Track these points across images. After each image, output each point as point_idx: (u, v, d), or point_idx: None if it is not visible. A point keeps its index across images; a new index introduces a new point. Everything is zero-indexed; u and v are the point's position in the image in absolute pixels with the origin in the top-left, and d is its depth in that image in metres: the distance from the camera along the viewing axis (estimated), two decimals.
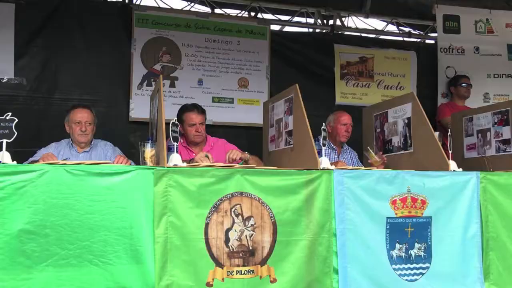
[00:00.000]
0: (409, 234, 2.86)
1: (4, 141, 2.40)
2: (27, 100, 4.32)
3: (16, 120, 2.43)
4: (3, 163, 2.35)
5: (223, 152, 3.59)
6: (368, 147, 3.68)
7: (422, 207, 2.89)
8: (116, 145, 3.57)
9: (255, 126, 4.47)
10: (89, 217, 2.37)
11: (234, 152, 3.32)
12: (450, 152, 3.14)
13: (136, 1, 4.76)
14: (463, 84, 5.12)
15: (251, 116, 4.78)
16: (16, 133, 2.42)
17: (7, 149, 2.41)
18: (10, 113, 2.45)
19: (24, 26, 4.31)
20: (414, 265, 2.84)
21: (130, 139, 4.52)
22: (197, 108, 3.62)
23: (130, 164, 3.02)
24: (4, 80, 4.27)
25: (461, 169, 3.08)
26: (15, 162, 2.39)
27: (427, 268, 2.87)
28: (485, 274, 2.94)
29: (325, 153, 2.97)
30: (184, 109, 3.64)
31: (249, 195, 2.64)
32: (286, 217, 2.68)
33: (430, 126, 3.26)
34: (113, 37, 4.59)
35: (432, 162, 3.14)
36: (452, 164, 3.06)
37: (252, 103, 4.90)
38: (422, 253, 2.87)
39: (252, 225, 2.63)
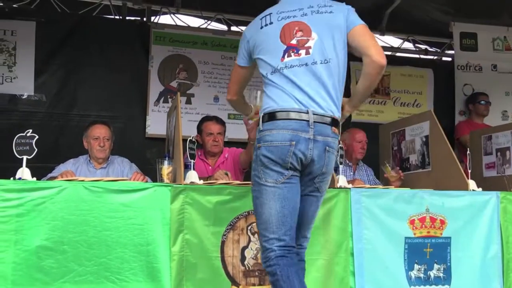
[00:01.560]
0: (428, 254, 2.82)
1: (25, 157, 2.43)
2: (46, 116, 4.38)
3: (37, 137, 2.46)
4: (23, 179, 2.38)
5: (234, 160, 3.66)
6: (386, 161, 3.65)
7: (441, 227, 2.84)
8: (133, 161, 3.59)
9: None
10: (107, 234, 2.38)
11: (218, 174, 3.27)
12: (469, 171, 3.10)
13: (154, 20, 4.83)
14: (482, 102, 5.07)
15: None
16: (36, 150, 2.44)
17: (26, 165, 2.43)
18: (30, 130, 2.48)
19: (44, 43, 4.38)
20: (433, 286, 2.79)
21: (146, 155, 4.54)
22: (216, 119, 3.72)
23: (147, 181, 3.04)
24: (24, 97, 4.34)
25: (480, 189, 3.04)
26: (34, 179, 2.41)
27: None
28: None
29: (341, 171, 2.95)
30: (204, 119, 3.75)
31: None
32: None
33: (449, 144, 3.23)
34: (131, 54, 4.65)
35: (451, 181, 3.10)
36: (472, 184, 3.02)
37: None
38: (441, 274, 2.82)
39: None
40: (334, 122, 2.09)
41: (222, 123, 3.72)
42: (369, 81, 2.15)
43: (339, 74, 2.14)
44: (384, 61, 2.10)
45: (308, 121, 2.02)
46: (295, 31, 2.11)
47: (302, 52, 2.09)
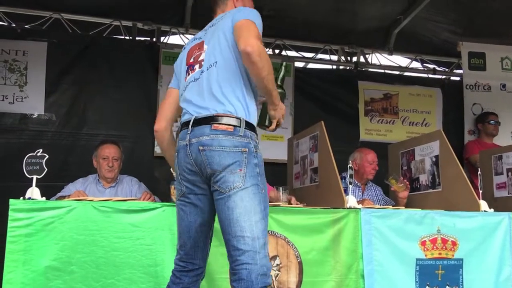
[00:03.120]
0: (440, 276, 2.77)
1: (35, 177, 2.43)
2: (56, 136, 4.41)
3: (47, 156, 2.47)
4: (32, 199, 2.38)
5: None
6: (390, 176, 3.62)
7: (453, 249, 2.80)
8: (141, 181, 3.60)
9: (279, 162, 4.45)
10: (115, 254, 2.37)
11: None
12: (480, 191, 3.06)
13: (163, 40, 4.88)
14: (491, 122, 5.04)
15: (275, 152, 4.76)
16: (46, 170, 2.45)
17: (36, 184, 2.44)
18: (41, 150, 2.49)
19: (55, 63, 4.44)
20: None
21: (155, 174, 4.55)
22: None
23: (155, 200, 3.03)
24: (35, 116, 4.39)
25: (492, 210, 3.00)
26: (44, 198, 2.42)
27: None
28: None
29: (350, 191, 2.93)
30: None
31: (275, 233, 2.61)
32: (312, 257, 2.64)
33: (459, 164, 3.20)
34: (140, 74, 4.69)
35: (461, 201, 3.06)
36: (483, 204, 2.98)
37: (276, 139, 4.89)
38: None
39: (277, 264, 2.59)
40: (215, 118, 1.99)
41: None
42: (252, 73, 1.99)
43: (230, 72, 2.04)
44: (248, 47, 1.91)
45: (187, 128, 2.03)
46: (195, 51, 2.18)
47: (196, 66, 2.13)
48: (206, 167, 1.97)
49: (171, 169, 2.38)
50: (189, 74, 2.15)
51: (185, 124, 2.05)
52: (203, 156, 1.97)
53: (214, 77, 2.04)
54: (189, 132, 2.01)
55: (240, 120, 2.00)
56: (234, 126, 1.98)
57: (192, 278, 2.11)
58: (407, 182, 3.55)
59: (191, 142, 2.00)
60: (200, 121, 2.00)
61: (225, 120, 1.99)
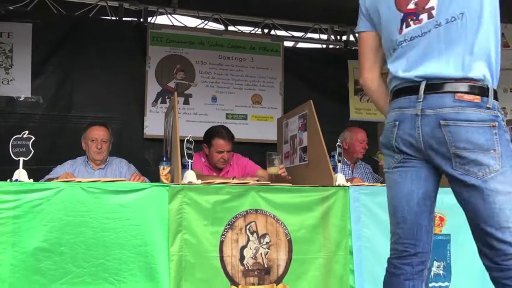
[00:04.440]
0: None
1: (21, 159, 2.42)
2: (43, 118, 4.36)
3: (33, 138, 2.45)
4: (20, 181, 2.37)
5: (240, 168, 3.64)
6: (377, 151, 3.65)
7: (440, 224, 2.83)
8: (131, 162, 3.59)
9: (269, 142, 4.46)
10: (104, 234, 2.37)
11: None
12: None
13: (151, 20, 4.82)
14: None
15: (265, 132, 4.78)
16: (32, 151, 2.44)
17: (23, 167, 2.42)
18: (27, 132, 2.47)
19: (41, 45, 4.37)
20: (433, 284, 2.78)
21: (144, 156, 4.54)
22: (228, 136, 3.57)
23: (145, 181, 3.03)
24: (21, 99, 4.33)
25: None
26: (31, 180, 2.40)
27: (447, 287, 2.80)
28: None
29: (340, 169, 2.94)
30: (216, 134, 3.56)
31: (264, 212, 2.62)
32: (301, 235, 2.66)
33: None
34: (127, 55, 4.63)
35: None
36: None
37: (266, 120, 4.89)
38: (441, 272, 2.81)
39: (267, 242, 2.61)
40: (457, 86, 1.66)
41: (232, 139, 3.60)
42: None
43: (477, 28, 1.68)
44: None
45: (416, 94, 1.70)
46: None
47: (424, 16, 1.73)
48: (449, 145, 1.65)
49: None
50: (409, 25, 1.76)
51: (408, 90, 1.73)
52: (445, 132, 1.65)
53: (456, 33, 1.68)
54: (421, 100, 1.68)
55: (488, 89, 1.67)
56: (481, 96, 1.66)
57: (416, 267, 1.76)
58: None
59: (425, 113, 1.68)
60: (435, 88, 1.68)
61: (470, 88, 1.66)
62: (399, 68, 1.78)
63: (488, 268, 1.69)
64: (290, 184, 2.88)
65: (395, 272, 1.77)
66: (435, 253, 2.80)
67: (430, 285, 2.78)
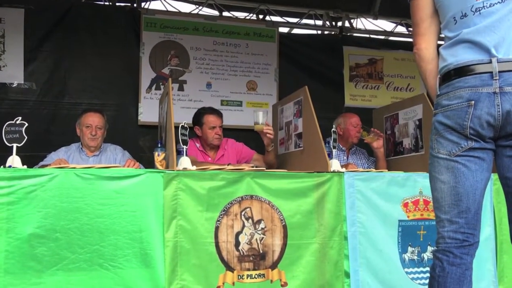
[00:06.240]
0: (422, 237, 2.83)
1: (14, 145, 2.41)
2: (37, 105, 4.33)
3: (26, 124, 2.43)
4: (13, 167, 2.35)
5: (235, 153, 3.65)
6: (361, 129, 3.75)
7: None
8: (126, 149, 3.58)
9: None
10: (99, 221, 2.37)
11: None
12: None
13: (144, 5, 4.77)
14: None
15: None
16: (26, 138, 2.42)
17: (17, 153, 2.41)
18: (20, 118, 2.46)
19: (34, 31, 4.32)
20: (427, 268, 2.80)
21: (139, 142, 4.52)
22: (217, 112, 3.70)
23: (140, 167, 3.02)
24: (14, 85, 4.29)
25: None
26: (25, 167, 2.39)
27: None
28: (499, 277, 2.90)
29: (335, 155, 2.95)
30: (205, 112, 3.68)
31: (259, 198, 2.63)
32: (296, 220, 2.67)
33: None
34: (121, 41, 4.59)
35: None
36: None
37: (261, 106, 4.88)
38: None
39: (262, 228, 2.62)
40: None
41: (221, 115, 3.72)
42: None
43: None
44: None
45: (491, 72, 1.66)
46: None
47: None
48: None
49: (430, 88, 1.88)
50: None
51: (476, 66, 1.68)
52: None
53: None
54: (497, 77, 1.64)
55: None
56: None
57: (472, 257, 1.74)
58: (378, 131, 3.65)
59: (504, 90, 1.64)
60: (510, 65, 1.65)
61: None
62: (471, 36, 1.70)
63: None
64: (285, 170, 2.88)
65: (455, 262, 1.71)
66: (429, 238, 2.83)
67: (424, 269, 2.81)
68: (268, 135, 3.35)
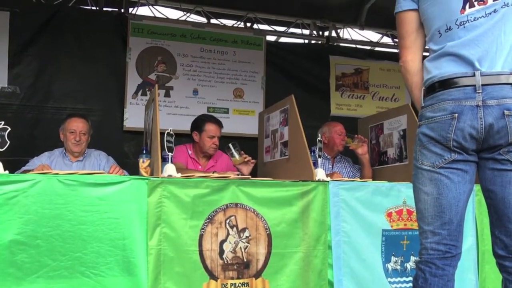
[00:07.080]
0: (405, 247, 2.84)
1: None
2: (21, 109, 4.28)
3: (9, 129, 2.40)
4: None
5: (225, 166, 3.65)
6: (346, 136, 3.79)
7: None
8: (110, 155, 3.54)
9: (251, 136, 4.46)
10: (82, 228, 2.33)
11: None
12: None
13: (132, 11, 4.76)
14: None
15: (246, 126, 4.77)
16: (8, 142, 2.38)
17: None
18: (3, 122, 2.42)
19: (19, 34, 4.28)
20: (410, 278, 2.81)
21: (124, 148, 4.49)
22: (219, 122, 3.69)
23: (124, 174, 3.00)
24: None
25: None
26: (7, 172, 2.35)
27: None
28: (481, 287, 2.92)
29: (320, 164, 2.96)
30: (208, 119, 3.68)
31: (244, 206, 2.62)
32: (281, 229, 2.66)
33: None
34: (108, 46, 4.57)
35: None
36: None
37: (247, 114, 4.89)
38: None
39: (247, 237, 2.61)
40: None
41: (222, 126, 3.72)
42: None
43: None
44: None
45: (474, 85, 1.67)
46: None
47: None
48: (510, 135, 1.66)
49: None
50: (473, 6, 1.70)
51: (459, 79, 1.70)
52: (508, 122, 1.65)
53: None
54: (480, 91, 1.66)
55: None
56: None
57: (454, 268, 1.76)
58: (362, 137, 3.69)
59: (486, 103, 1.65)
60: (499, 79, 1.67)
61: None
62: (455, 49, 1.72)
63: (501, 258, 1.75)
64: (270, 178, 2.88)
65: (438, 273, 1.73)
66: (412, 248, 2.84)
67: (407, 279, 2.82)
68: (250, 163, 3.35)
